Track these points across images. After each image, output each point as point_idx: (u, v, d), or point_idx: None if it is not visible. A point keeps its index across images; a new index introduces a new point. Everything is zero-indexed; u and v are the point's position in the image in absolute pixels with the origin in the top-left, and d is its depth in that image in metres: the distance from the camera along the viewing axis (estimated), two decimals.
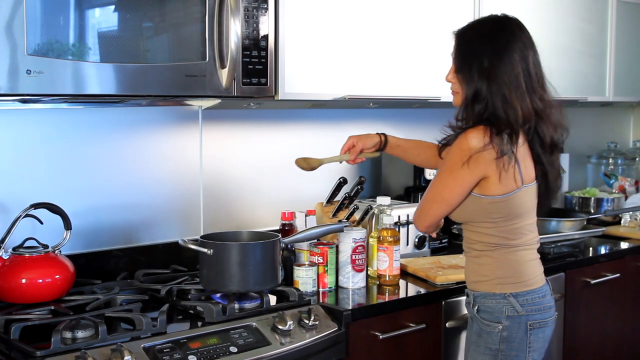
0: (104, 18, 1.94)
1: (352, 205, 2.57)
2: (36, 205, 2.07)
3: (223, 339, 1.93)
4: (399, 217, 2.70)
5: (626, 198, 3.74)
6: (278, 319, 2.03)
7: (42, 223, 2.09)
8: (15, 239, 2.06)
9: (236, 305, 2.08)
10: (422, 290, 2.42)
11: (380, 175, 3.15)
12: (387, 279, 2.47)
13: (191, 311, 2.11)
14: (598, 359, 3.08)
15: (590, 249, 3.15)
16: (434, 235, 2.64)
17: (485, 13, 2.86)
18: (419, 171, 2.97)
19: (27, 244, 2.08)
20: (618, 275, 3.06)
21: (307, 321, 2.07)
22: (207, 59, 2.10)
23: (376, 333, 2.22)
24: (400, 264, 2.52)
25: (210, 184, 2.66)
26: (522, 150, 1.98)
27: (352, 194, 2.56)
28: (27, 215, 2.05)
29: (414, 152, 2.40)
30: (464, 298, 2.19)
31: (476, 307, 2.07)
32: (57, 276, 2.05)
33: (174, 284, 2.26)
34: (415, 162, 2.48)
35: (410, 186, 3.07)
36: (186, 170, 2.60)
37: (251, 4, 2.18)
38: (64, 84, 1.87)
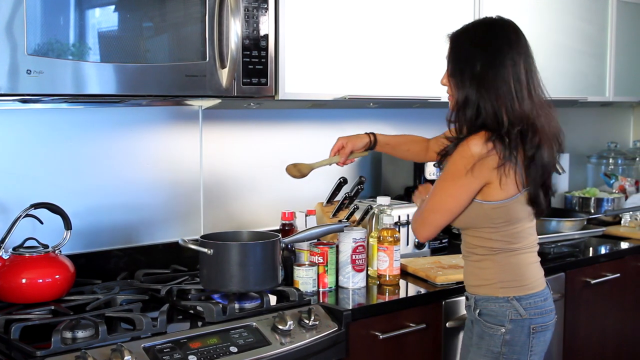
0: (104, 18, 1.94)
1: (352, 205, 2.57)
2: (36, 205, 2.07)
3: (223, 339, 1.93)
4: (399, 217, 2.70)
5: (626, 198, 3.74)
6: (278, 319, 2.03)
7: (42, 223, 2.09)
8: (16, 239, 2.06)
9: (236, 305, 2.08)
10: (422, 290, 2.42)
11: (380, 175, 3.15)
12: (387, 279, 2.47)
13: (191, 311, 2.11)
14: (598, 359, 3.08)
15: (591, 249, 3.15)
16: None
17: (485, 13, 2.87)
18: (418, 171, 2.97)
19: (27, 243, 2.08)
20: (618, 275, 3.06)
21: (307, 321, 2.07)
22: (207, 58, 2.10)
23: (376, 333, 2.22)
24: (401, 264, 2.52)
25: (210, 184, 2.66)
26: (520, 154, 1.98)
27: (352, 194, 2.56)
28: (27, 215, 2.05)
29: (404, 149, 2.43)
30: (464, 298, 2.19)
31: (478, 311, 2.06)
32: (57, 276, 2.05)
33: (174, 284, 2.27)
34: (405, 157, 2.51)
35: (410, 186, 3.07)
36: (186, 170, 2.60)
37: (251, 4, 2.18)
38: (64, 84, 1.87)
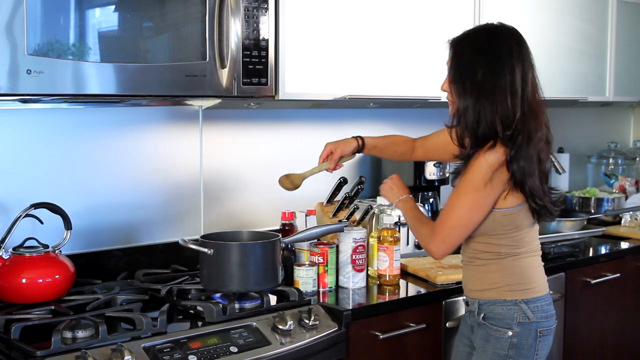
0: (104, 18, 1.94)
1: (353, 205, 2.57)
2: (36, 205, 2.07)
3: (223, 339, 1.93)
4: (399, 217, 2.70)
5: (626, 198, 3.73)
6: (278, 318, 2.03)
7: (42, 223, 2.09)
8: (16, 239, 2.06)
9: (236, 305, 2.08)
10: (423, 290, 2.42)
11: (380, 175, 3.15)
12: (388, 278, 2.47)
13: (191, 311, 2.11)
14: (598, 359, 3.08)
15: (591, 248, 3.15)
16: None
17: (485, 13, 2.87)
18: (419, 171, 2.97)
19: (27, 243, 2.08)
20: (618, 275, 3.06)
21: (307, 321, 2.07)
22: (208, 58, 2.09)
23: (376, 333, 2.22)
24: (401, 263, 2.52)
25: (210, 184, 2.66)
26: None
27: (352, 194, 2.56)
28: (27, 215, 2.05)
29: (391, 150, 2.43)
30: (464, 298, 2.19)
31: (482, 315, 2.05)
32: (57, 276, 2.05)
33: (174, 284, 2.26)
34: (392, 158, 2.52)
35: (410, 186, 3.05)
36: (186, 170, 2.60)
37: (251, 3, 2.18)
38: (64, 84, 1.87)
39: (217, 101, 2.37)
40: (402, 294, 2.41)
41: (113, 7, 1.95)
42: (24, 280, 2.01)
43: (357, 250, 2.43)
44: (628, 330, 3.20)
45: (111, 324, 1.92)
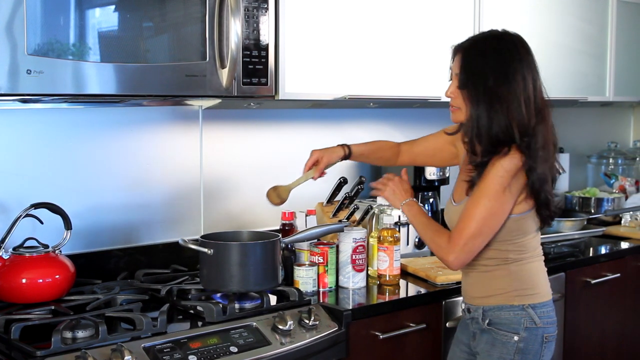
0: (104, 18, 1.94)
1: (353, 205, 2.57)
2: (36, 205, 2.07)
3: (223, 339, 1.93)
4: (399, 217, 2.70)
5: (626, 198, 3.74)
6: (278, 318, 2.03)
7: (42, 223, 2.09)
8: (16, 239, 2.06)
9: (236, 305, 2.08)
10: (422, 290, 2.42)
11: (380, 175, 3.14)
12: (388, 278, 2.47)
13: (191, 311, 2.10)
14: (598, 359, 3.08)
15: (591, 248, 3.15)
16: None
17: (485, 13, 2.87)
18: (419, 171, 2.96)
19: (27, 243, 2.08)
20: (618, 275, 3.06)
21: (307, 321, 2.07)
22: (208, 58, 2.09)
23: (376, 333, 2.22)
24: (401, 263, 2.52)
25: (210, 184, 2.66)
26: None
27: (352, 194, 2.56)
28: (27, 215, 2.05)
29: (376, 156, 2.42)
30: (464, 305, 2.17)
31: (487, 321, 2.04)
32: (57, 276, 2.05)
33: (174, 284, 2.26)
34: (377, 164, 2.53)
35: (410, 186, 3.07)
36: (186, 170, 2.60)
37: (251, 3, 2.18)
38: (64, 84, 1.87)
39: (217, 101, 2.37)
40: (402, 294, 2.41)
41: (113, 7, 1.95)
42: (24, 280, 2.01)
43: (357, 250, 2.43)
44: (628, 330, 3.20)
45: (111, 324, 1.92)
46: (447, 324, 2.40)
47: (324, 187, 2.60)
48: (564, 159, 3.76)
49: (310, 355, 2.04)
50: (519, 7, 3.04)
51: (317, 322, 2.09)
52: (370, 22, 2.59)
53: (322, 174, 2.31)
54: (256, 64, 2.21)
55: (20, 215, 2.04)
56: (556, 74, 3.24)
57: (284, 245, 2.24)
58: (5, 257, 2.03)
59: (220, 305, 2.03)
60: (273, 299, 2.19)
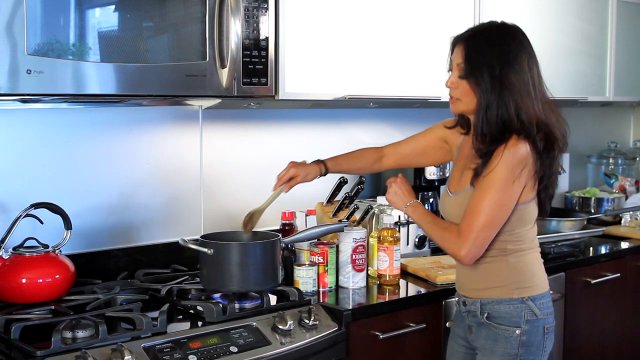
0: (104, 18, 1.94)
1: (353, 205, 2.57)
2: (36, 205, 2.07)
3: (223, 339, 1.93)
4: (399, 217, 2.70)
5: (626, 198, 3.74)
6: (278, 318, 2.03)
7: (42, 223, 2.09)
8: (16, 239, 2.06)
9: (236, 305, 2.08)
10: (422, 290, 2.42)
11: (380, 175, 3.15)
12: (388, 278, 2.47)
13: (191, 311, 2.11)
14: (598, 359, 3.08)
15: (591, 248, 3.15)
16: None
17: (485, 13, 2.87)
18: (419, 171, 2.97)
19: (27, 243, 2.08)
20: (618, 275, 3.06)
21: (307, 321, 2.07)
22: (208, 58, 2.09)
23: (376, 333, 2.22)
24: (401, 263, 2.52)
25: (210, 184, 2.66)
26: None
27: (352, 194, 2.56)
28: (27, 215, 2.05)
29: (357, 166, 2.38)
30: (458, 298, 2.17)
31: (486, 314, 2.04)
32: (57, 276, 2.05)
33: (174, 284, 2.27)
34: (355, 173, 2.47)
35: (410, 186, 3.07)
36: (186, 170, 2.60)
37: (251, 3, 2.18)
38: (64, 84, 1.87)
39: (217, 101, 2.37)
40: (402, 294, 2.42)
41: (113, 7, 1.95)
42: (24, 280, 2.01)
43: (357, 250, 2.43)
44: (628, 330, 3.20)
45: (111, 324, 1.92)
46: (447, 324, 2.40)
47: (324, 187, 2.60)
48: (564, 159, 3.75)
49: (310, 355, 2.04)
50: (519, 7, 3.04)
51: (317, 322, 2.09)
52: (370, 22, 2.59)
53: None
54: (256, 64, 2.21)
55: (20, 215, 2.04)
56: (556, 74, 3.23)
57: (284, 245, 2.25)
58: (5, 257, 2.03)
59: (220, 305, 2.03)
60: (273, 299, 2.19)
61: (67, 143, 2.33)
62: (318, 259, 2.38)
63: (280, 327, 2.01)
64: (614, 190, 3.83)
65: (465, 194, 2.02)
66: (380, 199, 2.62)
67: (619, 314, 3.14)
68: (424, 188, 2.96)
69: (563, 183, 3.80)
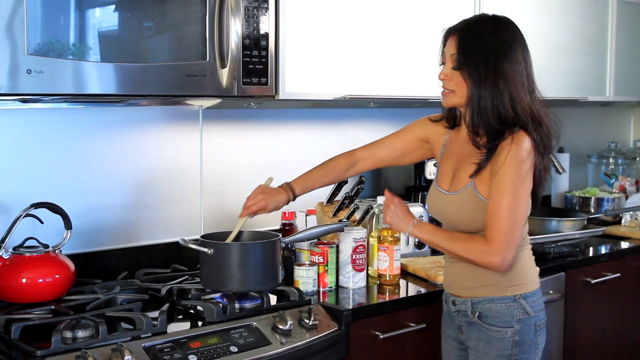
0: (104, 18, 1.94)
1: (353, 204, 2.57)
2: (36, 205, 2.07)
3: (223, 339, 1.93)
4: None
5: (626, 198, 3.74)
6: (278, 318, 2.03)
7: (42, 223, 2.09)
8: (16, 239, 2.06)
9: (236, 305, 2.08)
10: (423, 290, 2.42)
11: (380, 175, 3.15)
12: (388, 278, 2.47)
13: (191, 311, 2.11)
14: (598, 359, 3.08)
15: (591, 248, 3.15)
16: None
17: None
18: (419, 171, 2.97)
19: (27, 243, 2.08)
20: (618, 275, 3.06)
21: (307, 321, 2.07)
22: (208, 58, 2.10)
23: (376, 333, 2.22)
24: (401, 263, 2.52)
25: (210, 183, 2.66)
26: None
27: (352, 194, 2.56)
28: (27, 215, 2.05)
29: (330, 178, 2.32)
30: (447, 298, 2.16)
31: (477, 314, 2.04)
32: (58, 276, 2.04)
33: (174, 284, 2.27)
34: (335, 182, 2.40)
35: (410, 186, 3.08)
36: (186, 170, 2.60)
37: (251, 3, 2.18)
38: (65, 84, 1.87)
39: (217, 101, 2.37)
40: (402, 294, 2.41)
41: (113, 6, 1.95)
42: (24, 280, 2.01)
43: (357, 250, 2.43)
44: (628, 330, 3.20)
45: (111, 324, 1.92)
46: None
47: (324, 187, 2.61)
48: (564, 159, 3.76)
49: (310, 355, 2.04)
50: (519, 7, 3.04)
51: (317, 322, 2.09)
52: (370, 22, 2.59)
53: None
54: (256, 64, 2.21)
55: (20, 215, 2.04)
56: (556, 74, 3.24)
57: (284, 245, 2.24)
58: (6, 256, 2.03)
59: (220, 305, 2.03)
60: (273, 299, 2.19)
61: (67, 143, 2.33)
62: (318, 259, 2.38)
63: (280, 327, 2.01)
64: (614, 190, 3.83)
65: (466, 192, 1.99)
66: (380, 199, 2.62)
67: (619, 314, 3.13)
68: (423, 188, 2.96)
69: (563, 183, 3.81)
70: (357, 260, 2.43)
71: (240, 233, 2.25)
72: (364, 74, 2.58)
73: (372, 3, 2.58)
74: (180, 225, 2.58)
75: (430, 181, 2.91)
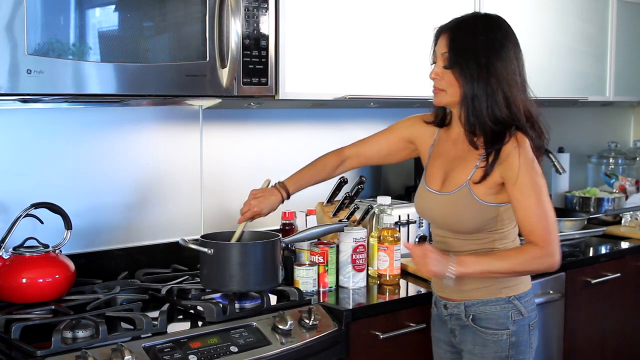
0: (104, 18, 1.94)
1: (353, 204, 2.57)
2: (37, 205, 2.07)
3: (223, 339, 1.93)
4: (399, 216, 2.70)
5: (627, 198, 3.74)
6: (278, 318, 2.03)
7: (42, 223, 2.09)
8: (16, 239, 2.06)
9: (236, 305, 2.08)
10: (423, 290, 2.42)
11: (380, 175, 3.15)
12: (388, 278, 2.47)
13: (192, 311, 2.11)
14: (598, 359, 3.08)
15: (591, 248, 3.15)
16: None
17: None
18: (419, 171, 2.96)
19: (27, 243, 2.08)
20: (618, 275, 3.06)
21: (307, 321, 2.07)
22: (208, 58, 2.10)
23: (376, 333, 2.22)
24: (401, 263, 2.52)
25: (211, 183, 2.66)
26: None
27: (352, 194, 2.56)
28: (27, 215, 2.05)
29: (321, 176, 2.31)
30: (439, 302, 2.14)
31: (471, 316, 2.03)
32: (58, 276, 2.05)
33: (174, 284, 2.27)
34: (324, 180, 2.37)
35: (410, 186, 3.07)
36: (186, 170, 2.60)
37: (252, 3, 2.18)
38: (65, 84, 1.87)
39: (217, 101, 2.37)
40: (402, 294, 2.41)
41: (113, 6, 1.95)
42: (24, 280, 2.01)
43: (357, 250, 2.43)
44: (628, 330, 3.20)
45: (111, 324, 1.92)
46: None
47: (324, 187, 2.60)
48: (564, 159, 3.76)
49: (310, 355, 2.04)
50: (519, 7, 3.04)
51: (317, 322, 2.09)
52: (370, 22, 2.59)
53: None
54: (256, 64, 2.21)
55: (20, 215, 2.05)
56: (556, 74, 3.24)
57: (284, 245, 2.24)
58: (6, 257, 2.03)
59: (220, 305, 2.03)
60: (273, 299, 2.19)
61: (67, 143, 2.33)
62: (318, 259, 2.38)
63: (281, 327, 2.01)
64: (614, 190, 3.83)
65: (461, 193, 1.97)
66: (381, 199, 2.62)
67: (619, 314, 3.13)
68: None
69: (563, 183, 3.81)
70: (357, 260, 2.43)
71: (241, 233, 2.24)
72: (363, 74, 2.58)
73: (372, 3, 2.58)
74: (180, 225, 2.58)
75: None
